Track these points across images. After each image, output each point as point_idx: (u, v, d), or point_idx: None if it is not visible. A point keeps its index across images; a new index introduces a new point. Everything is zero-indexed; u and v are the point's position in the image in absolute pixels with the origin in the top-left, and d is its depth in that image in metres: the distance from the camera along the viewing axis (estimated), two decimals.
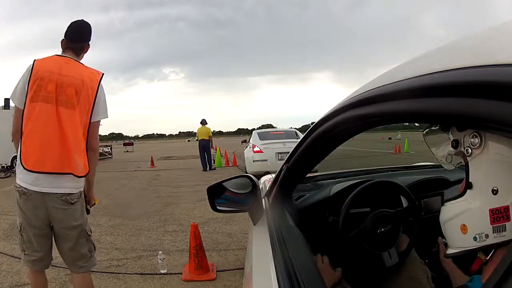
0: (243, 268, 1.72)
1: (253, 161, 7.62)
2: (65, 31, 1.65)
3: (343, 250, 1.04)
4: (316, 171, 1.81)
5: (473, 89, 0.35)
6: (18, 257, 2.96)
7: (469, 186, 0.45)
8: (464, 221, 0.45)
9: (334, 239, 1.04)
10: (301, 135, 1.02)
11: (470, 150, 0.44)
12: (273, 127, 17.98)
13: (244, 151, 8.75)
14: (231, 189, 1.13)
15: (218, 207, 1.12)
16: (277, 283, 0.69)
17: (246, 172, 7.19)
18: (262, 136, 8.18)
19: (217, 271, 2.64)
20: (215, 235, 3.57)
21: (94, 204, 1.83)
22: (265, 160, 7.42)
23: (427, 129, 0.52)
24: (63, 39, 1.65)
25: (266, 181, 1.61)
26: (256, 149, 7.68)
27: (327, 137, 0.75)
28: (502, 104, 0.31)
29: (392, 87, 0.49)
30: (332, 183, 1.31)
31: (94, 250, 1.73)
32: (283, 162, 1.03)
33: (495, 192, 0.41)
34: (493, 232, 0.42)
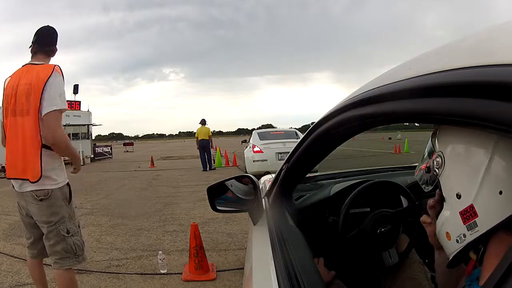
0: (243, 268, 1.72)
1: (253, 161, 7.62)
2: (35, 38, 1.78)
3: (342, 250, 1.04)
4: (316, 171, 1.81)
5: (473, 89, 0.35)
6: (18, 257, 2.96)
7: (443, 199, 0.53)
8: (446, 229, 0.53)
9: (334, 239, 1.04)
10: (301, 135, 1.02)
11: (437, 171, 0.53)
12: (273, 127, 17.96)
13: (244, 151, 8.74)
14: (231, 189, 1.13)
15: (218, 207, 1.12)
16: (277, 283, 0.69)
17: (246, 172, 7.18)
18: (262, 136, 8.18)
19: (217, 271, 2.64)
20: (215, 235, 3.57)
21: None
22: (265, 160, 7.42)
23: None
24: (33, 45, 1.79)
25: (266, 181, 1.61)
26: (256, 149, 7.68)
27: (327, 137, 0.75)
28: (502, 104, 0.31)
29: (392, 87, 0.49)
30: (332, 183, 1.31)
31: (75, 252, 1.73)
32: (283, 162, 1.03)
33: (459, 196, 0.49)
34: (468, 230, 0.49)
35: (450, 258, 0.54)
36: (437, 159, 0.53)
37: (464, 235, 0.49)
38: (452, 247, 0.53)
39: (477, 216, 0.47)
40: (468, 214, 0.48)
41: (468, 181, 0.48)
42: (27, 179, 1.65)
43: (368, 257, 1.00)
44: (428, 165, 0.56)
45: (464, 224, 0.49)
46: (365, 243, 0.98)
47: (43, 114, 1.63)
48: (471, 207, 0.47)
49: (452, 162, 0.51)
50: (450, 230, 0.52)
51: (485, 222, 0.46)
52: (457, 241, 0.51)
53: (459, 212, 0.49)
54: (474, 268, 0.52)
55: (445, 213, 0.53)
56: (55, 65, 1.72)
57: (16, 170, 1.68)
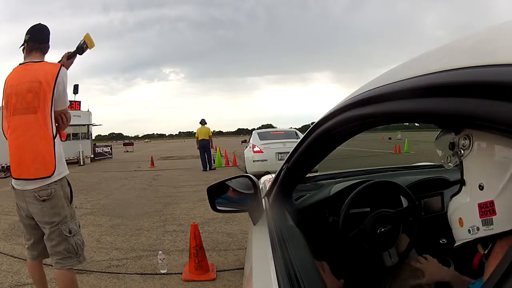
0: (243, 268, 1.72)
1: (253, 161, 7.62)
2: (28, 36, 1.74)
3: (342, 251, 1.04)
4: (316, 171, 1.81)
5: (473, 89, 0.35)
6: (18, 257, 2.96)
7: (463, 183, 0.51)
8: (460, 215, 0.51)
9: (334, 239, 1.03)
10: (301, 135, 1.02)
11: (462, 151, 0.50)
12: (273, 127, 17.96)
13: (244, 151, 8.74)
14: (231, 189, 1.13)
15: (218, 207, 1.12)
16: (277, 283, 0.69)
17: (246, 172, 7.18)
18: (262, 136, 8.17)
19: (217, 271, 2.64)
20: (215, 235, 3.57)
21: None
22: (265, 160, 7.42)
23: (440, 133, 0.58)
24: (27, 44, 1.74)
25: (266, 181, 1.61)
26: (256, 149, 7.68)
27: (327, 137, 0.75)
28: (502, 104, 0.31)
29: (392, 87, 0.49)
30: (332, 183, 1.31)
31: (76, 252, 1.74)
32: (283, 162, 1.03)
33: (481, 187, 0.47)
34: (483, 225, 0.47)
35: (457, 244, 0.53)
36: (465, 140, 0.50)
37: (478, 228, 0.48)
38: (462, 235, 0.51)
39: (495, 214, 0.45)
40: (487, 209, 0.46)
41: (494, 175, 0.45)
42: (33, 179, 1.64)
43: (368, 257, 1.00)
44: (453, 141, 0.52)
45: (481, 218, 0.47)
46: (365, 243, 0.98)
47: (55, 109, 1.67)
48: (492, 203, 0.46)
49: (482, 149, 0.48)
50: (464, 218, 0.51)
51: (501, 223, 0.45)
52: (469, 231, 0.50)
53: (478, 204, 0.47)
54: (480, 261, 0.51)
55: (462, 198, 0.51)
56: (62, 64, 1.73)
57: (20, 171, 1.67)
